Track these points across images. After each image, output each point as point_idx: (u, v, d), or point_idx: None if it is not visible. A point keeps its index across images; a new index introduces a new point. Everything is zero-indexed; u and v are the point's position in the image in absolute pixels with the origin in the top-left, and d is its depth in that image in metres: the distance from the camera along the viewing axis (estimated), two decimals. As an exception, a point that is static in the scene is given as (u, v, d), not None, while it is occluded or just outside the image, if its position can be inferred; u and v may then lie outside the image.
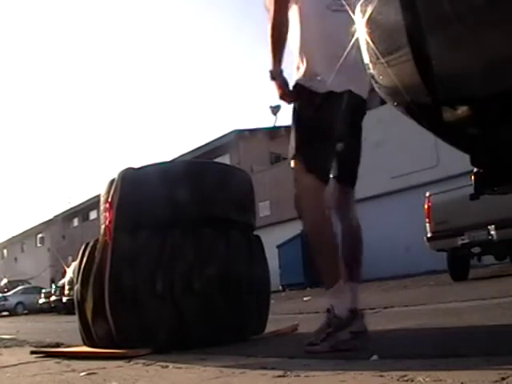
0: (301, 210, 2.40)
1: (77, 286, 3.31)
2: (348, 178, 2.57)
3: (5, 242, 40.96)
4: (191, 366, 2.25)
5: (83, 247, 3.35)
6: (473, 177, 2.26)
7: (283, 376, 1.81)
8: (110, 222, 3.03)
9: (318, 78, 2.38)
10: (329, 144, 2.35)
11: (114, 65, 66.60)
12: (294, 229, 16.39)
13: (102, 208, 3.30)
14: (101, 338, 3.06)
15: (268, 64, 2.46)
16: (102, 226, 3.23)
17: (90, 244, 3.27)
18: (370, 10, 1.99)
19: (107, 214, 3.08)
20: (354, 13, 2.15)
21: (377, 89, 2.21)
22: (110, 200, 3.08)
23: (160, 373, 2.21)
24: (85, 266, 3.21)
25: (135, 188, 3.07)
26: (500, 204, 6.35)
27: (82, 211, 31.90)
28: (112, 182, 3.18)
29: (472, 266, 8.76)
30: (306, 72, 2.41)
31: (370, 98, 2.58)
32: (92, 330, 3.13)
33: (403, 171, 14.68)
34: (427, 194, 8.72)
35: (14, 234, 40.02)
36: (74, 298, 3.41)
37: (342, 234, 2.48)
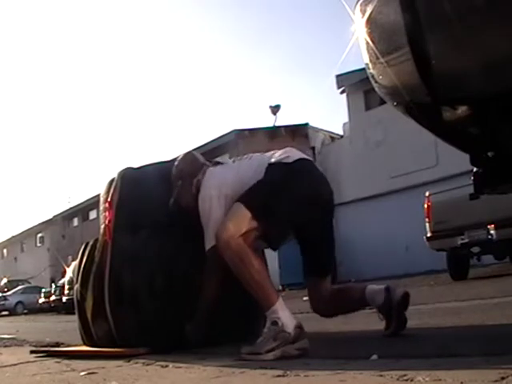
0: (227, 248, 2.43)
1: (76, 286, 3.32)
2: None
3: (5, 241, 40.92)
4: (191, 366, 2.24)
5: (83, 247, 3.35)
6: (473, 177, 2.27)
7: (283, 376, 1.81)
8: (109, 222, 3.03)
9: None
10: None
11: (113, 65, 66.59)
12: (294, 228, 16.43)
13: (101, 208, 3.30)
14: (101, 337, 3.06)
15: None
16: (102, 226, 3.23)
17: (90, 243, 3.27)
18: (369, 9, 1.99)
19: (107, 214, 3.08)
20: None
21: (376, 89, 2.22)
22: (109, 200, 3.08)
23: (160, 372, 2.21)
24: (84, 266, 3.21)
25: (135, 187, 3.08)
26: (499, 204, 6.36)
27: (82, 211, 31.86)
28: (111, 181, 3.19)
29: (471, 265, 8.76)
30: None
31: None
32: (92, 329, 3.13)
33: (403, 171, 14.69)
34: (427, 194, 8.72)
35: (14, 234, 39.98)
36: (74, 297, 3.42)
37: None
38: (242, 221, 2.42)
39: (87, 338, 3.26)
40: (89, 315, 3.12)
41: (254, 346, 2.30)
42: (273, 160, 2.64)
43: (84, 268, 3.21)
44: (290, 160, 2.61)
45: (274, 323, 2.31)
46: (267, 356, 2.22)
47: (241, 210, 2.45)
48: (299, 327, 2.31)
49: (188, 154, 3.00)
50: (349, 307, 2.90)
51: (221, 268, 2.56)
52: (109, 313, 2.93)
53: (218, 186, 2.68)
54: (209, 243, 2.62)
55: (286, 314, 2.33)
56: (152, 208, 3.01)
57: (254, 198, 2.50)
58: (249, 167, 2.70)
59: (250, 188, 2.54)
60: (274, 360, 2.18)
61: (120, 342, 2.90)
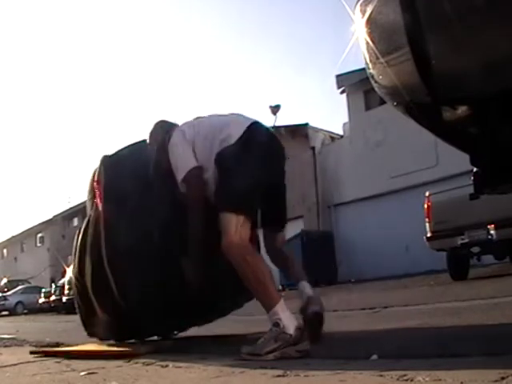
0: (230, 250, 2.52)
1: (75, 266, 3.47)
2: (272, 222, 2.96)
3: (5, 241, 40.90)
4: (191, 366, 2.25)
5: (77, 232, 3.60)
6: (473, 177, 2.27)
7: (283, 375, 1.81)
8: (100, 195, 3.27)
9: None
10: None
11: (113, 65, 66.58)
12: (294, 228, 16.39)
13: (88, 198, 3.58)
14: (103, 307, 3.16)
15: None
16: (90, 211, 3.47)
17: (83, 225, 3.51)
18: (369, 9, 1.99)
19: (97, 191, 3.34)
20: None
21: (376, 89, 2.22)
22: (96, 179, 3.35)
23: (160, 372, 2.21)
24: (81, 242, 3.43)
25: (116, 166, 3.37)
26: (499, 204, 6.36)
27: (82, 211, 31.57)
28: (94, 171, 3.48)
29: (472, 265, 8.76)
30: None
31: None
32: (94, 301, 3.22)
33: (403, 171, 14.68)
34: (427, 194, 8.72)
35: (14, 234, 39.96)
36: (73, 276, 3.52)
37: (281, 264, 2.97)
38: (233, 223, 2.50)
39: (88, 325, 3.38)
40: (89, 286, 3.25)
41: (254, 347, 2.32)
42: (218, 147, 2.74)
43: (80, 244, 3.42)
44: (233, 140, 2.69)
45: (276, 324, 2.32)
46: (267, 357, 2.24)
47: (225, 216, 2.54)
48: (300, 328, 2.33)
49: (158, 122, 3.25)
50: (282, 268, 3.06)
51: (198, 197, 2.77)
52: (108, 270, 3.06)
53: (182, 134, 2.93)
54: (179, 175, 2.82)
55: (287, 315, 2.35)
56: (133, 180, 3.25)
57: (226, 200, 2.62)
58: (203, 146, 2.84)
59: (218, 193, 2.69)
60: (274, 360, 2.19)
61: (121, 299, 3.00)
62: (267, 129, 2.97)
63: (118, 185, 3.26)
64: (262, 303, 2.45)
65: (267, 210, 2.84)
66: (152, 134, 3.24)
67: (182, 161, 2.83)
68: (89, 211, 3.57)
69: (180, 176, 2.82)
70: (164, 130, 3.13)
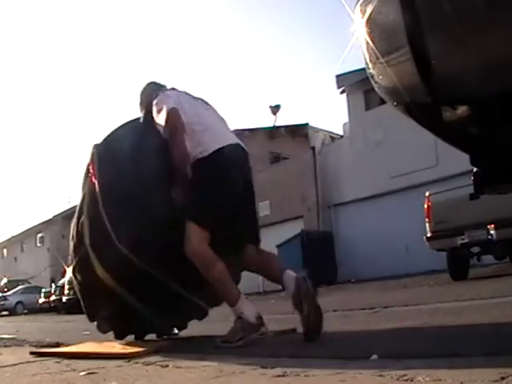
0: (193, 256, 2.86)
1: (73, 236, 3.50)
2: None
3: (5, 241, 40.89)
4: (191, 366, 2.25)
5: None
6: (473, 177, 2.27)
7: (283, 376, 1.81)
8: (93, 172, 3.35)
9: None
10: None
11: (114, 65, 66.64)
12: (294, 228, 16.40)
13: (82, 184, 3.59)
14: (104, 261, 3.20)
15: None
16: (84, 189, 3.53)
17: (77, 206, 3.60)
18: (369, 9, 1.99)
19: (91, 170, 3.41)
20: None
21: (376, 89, 2.22)
22: (90, 161, 3.43)
23: (160, 372, 2.21)
24: (78, 215, 3.48)
25: (107, 149, 3.43)
26: (500, 204, 6.36)
27: (82, 211, 31.76)
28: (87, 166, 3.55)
29: (472, 265, 8.76)
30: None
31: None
32: (93, 259, 3.25)
33: (403, 171, 14.68)
34: (427, 194, 8.72)
35: (14, 234, 39.96)
36: (71, 246, 3.53)
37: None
38: (196, 232, 2.85)
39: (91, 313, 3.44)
40: (88, 244, 3.28)
41: (225, 336, 2.77)
42: (193, 155, 2.99)
43: (78, 217, 3.47)
44: (206, 154, 2.96)
45: (239, 318, 2.76)
46: (237, 344, 2.70)
47: (190, 224, 2.87)
48: (259, 317, 2.79)
49: (147, 85, 3.48)
50: (268, 277, 3.14)
51: (180, 128, 2.98)
52: (104, 215, 3.14)
53: (167, 95, 3.19)
54: (162, 118, 3.05)
55: (247, 307, 2.80)
56: (125, 158, 3.34)
57: (193, 211, 2.93)
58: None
59: (187, 202, 2.96)
60: (244, 347, 2.64)
61: (119, 242, 3.07)
62: (242, 149, 3.12)
63: (112, 164, 3.37)
64: (225, 300, 2.89)
65: (236, 227, 3.04)
66: (142, 92, 3.46)
67: (164, 103, 3.05)
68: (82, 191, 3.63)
69: (162, 118, 3.02)
70: (153, 90, 3.35)
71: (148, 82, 3.50)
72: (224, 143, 3.00)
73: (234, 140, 3.12)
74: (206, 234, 2.84)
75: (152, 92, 3.32)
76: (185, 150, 2.97)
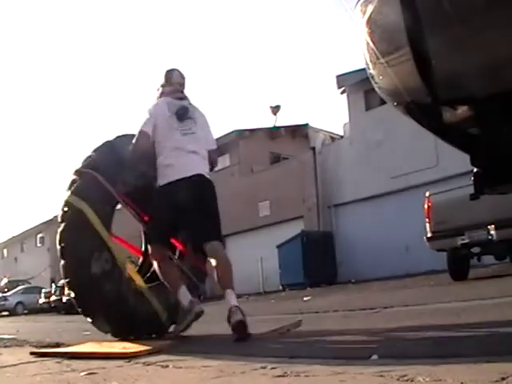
0: (152, 261, 3.73)
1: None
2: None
3: (5, 241, 40.87)
4: (191, 366, 2.25)
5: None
6: (473, 177, 2.26)
7: (283, 376, 1.81)
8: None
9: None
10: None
11: (114, 65, 66.67)
12: (294, 229, 16.40)
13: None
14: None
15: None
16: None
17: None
18: (369, 9, 1.99)
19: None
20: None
21: (377, 89, 2.21)
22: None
23: (160, 373, 2.21)
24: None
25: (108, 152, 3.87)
26: (500, 204, 6.35)
27: (83, 211, 31.68)
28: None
29: (472, 265, 8.75)
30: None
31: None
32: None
33: (403, 171, 14.67)
34: (427, 194, 8.71)
35: (14, 234, 39.92)
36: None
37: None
38: (152, 249, 3.69)
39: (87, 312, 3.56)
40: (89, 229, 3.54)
41: (177, 326, 3.54)
42: (157, 180, 3.62)
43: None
44: (162, 183, 3.55)
45: (182, 306, 3.42)
46: (185, 329, 3.44)
47: (149, 244, 3.82)
48: (192, 301, 3.39)
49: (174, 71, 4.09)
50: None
51: (140, 148, 3.67)
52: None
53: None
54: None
55: (184, 297, 3.41)
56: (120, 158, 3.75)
57: (148, 235, 3.99)
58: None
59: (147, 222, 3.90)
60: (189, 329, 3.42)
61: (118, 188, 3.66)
62: (199, 177, 3.54)
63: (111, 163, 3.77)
64: (173, 292, 3.51)
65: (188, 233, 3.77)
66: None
67: (143, 122, 3.67)
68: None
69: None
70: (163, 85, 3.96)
71: (173, 68, 4.05)
72: (179, 176, 3.48)
73: (195, 171, 3.53)
74: (159, 245, 3.64)
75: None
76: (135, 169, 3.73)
